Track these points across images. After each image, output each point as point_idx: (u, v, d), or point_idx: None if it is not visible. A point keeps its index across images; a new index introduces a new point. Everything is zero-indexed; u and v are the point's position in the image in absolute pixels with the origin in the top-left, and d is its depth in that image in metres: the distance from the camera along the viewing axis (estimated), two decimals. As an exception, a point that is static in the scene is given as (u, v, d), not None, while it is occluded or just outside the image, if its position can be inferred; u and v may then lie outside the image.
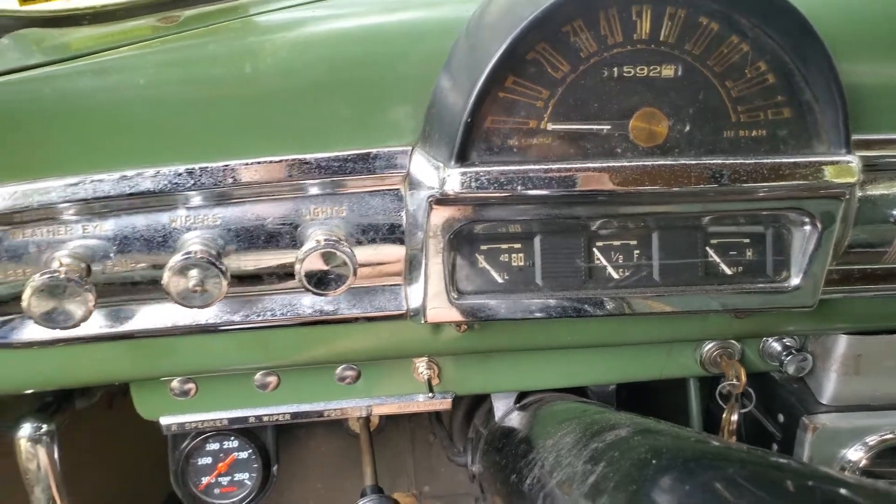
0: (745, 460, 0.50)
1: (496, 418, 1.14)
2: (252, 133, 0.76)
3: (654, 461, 0.50)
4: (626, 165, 0.71)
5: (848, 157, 0.74)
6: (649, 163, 0.71)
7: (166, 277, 0.72)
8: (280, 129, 0.76)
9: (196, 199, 0.77)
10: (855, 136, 0.80)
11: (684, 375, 1.11)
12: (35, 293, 0.72)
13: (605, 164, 0.71)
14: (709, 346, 1.06)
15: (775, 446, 1.11)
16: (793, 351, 1.05)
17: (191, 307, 0.74)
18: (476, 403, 1.37)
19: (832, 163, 0.73)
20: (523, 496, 0.71)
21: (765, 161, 0.72)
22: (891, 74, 0.82)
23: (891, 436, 1.02)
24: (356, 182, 0.78)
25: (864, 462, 1.01)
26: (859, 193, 0.84)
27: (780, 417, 1.11)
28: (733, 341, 1.06)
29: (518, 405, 1.12)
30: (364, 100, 0.76)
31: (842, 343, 1.02)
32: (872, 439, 1.02)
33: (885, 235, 0.87)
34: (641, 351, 1.07)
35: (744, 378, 1.02)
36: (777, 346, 1.07)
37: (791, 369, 1.04)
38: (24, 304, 0.72)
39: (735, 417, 1.06)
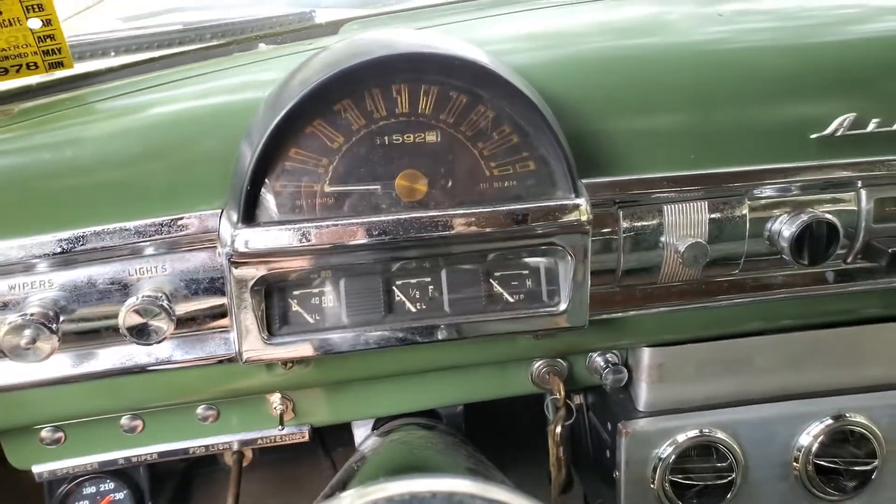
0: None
1: (356, 445, 1.25)
2: (81, 206, 0.88)
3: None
4: (384, 219, 0.84)
5: (577, 200, 0.88)
6: (404, 216, 0.85)
7: (1, 336, 0.83)
8: (103, 202, 0.88)
9: (38, 265, 0.88)
10: (612, 178, 0.96)
11: (521, 393, 1.22)
12: None
13: (366, 219, 0.84)
14: (538, 364, 1.18)
15: (608, 452, 1.24)
16: (610, 365, 1.19)
17: (26, 362, 0.85)
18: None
19: (565, 206, 0.88)
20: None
21: (504, 209, 0.86)
22: (632, 128, 0.98)
23: (695, 433, 1.15)
24: (175, 242, 0.89)
25: (672, 458, 1.14)
26: (625, 224, 0.98)
27: (608, 425, 1.24)
28: (559, 360, 1.19)
29: (374, 431, 1.24)
30: (173, 172, 0.89)
31: (645, 355, 1.15)
32: (680, 437, 1.16)
33: (655, 259, 1.01)
34: (479, 372, 1.19)
35: (563, 392, 1.15)
36: (600, 361, 1.19)
37: (609, 381, 1.17)
38: None
39: (559, 429, 1.18)
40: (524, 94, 0.83)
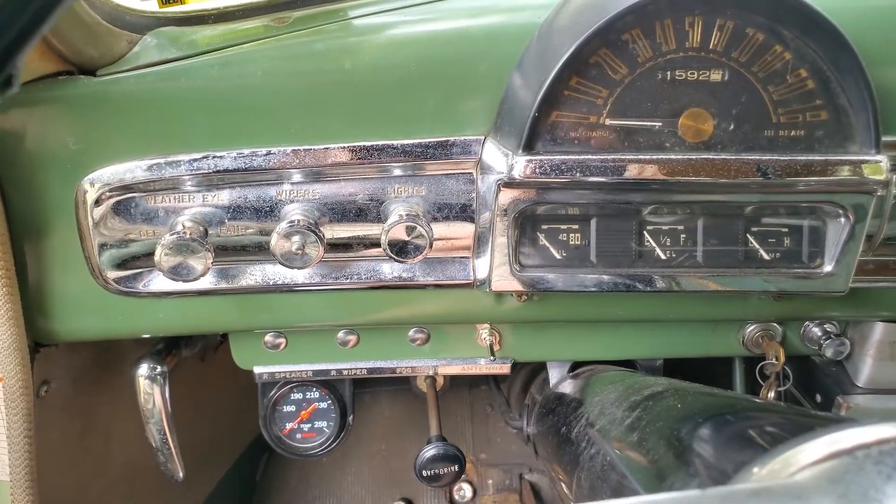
0: (750, 407, 0.59)
1: (550, 385, 1.25)
2: (349, 120, 0.89)
3: (678, 405, 0.60)
4: (672, 158, 0.80)
5: (878, 157, 0.81)
6: (694, 157, 0.80)
7: (273, 241, 0.86)
8: (372, 118, 0.88)
9: (298, 175, 0.90)
10: (890, 138, 0.88)
11: (727, 354, 1.18)
12: (165, 250, 0.86)
13: (654, 157, 0.81)
14: (751, 328, 1.14)
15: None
16: (832, 336, 1.12)
17: (292, 267, 0.88)
18: (532, 376, 1.49)
19: (863, 161, 0.81)
20: (571, 442, 0.82)
21: (800, 158, 0.81)
22: None
23: (923, 418, 1.08)
24: (434, 166, 0.89)
25: (894, 442, 1.08)
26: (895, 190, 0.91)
27: (818, 397, 1.18)
28: (775, 324, 1.13)
29: (571, 374, 1.23)
30: (445, 94, 0.87)
31: (878, 330, 1.08)
32: (904, 421, 1.09)
33: (922, 230, 0.93)
34: (688, 329, 1.16)
35: (782, 358, 1.10)
36: (817, 331, 1.14)
37: (829, 353, 1.11)
38: (156, 258, 0.86)
39: (772, 395, 1.13)
40: (842, 36, 0.76)
